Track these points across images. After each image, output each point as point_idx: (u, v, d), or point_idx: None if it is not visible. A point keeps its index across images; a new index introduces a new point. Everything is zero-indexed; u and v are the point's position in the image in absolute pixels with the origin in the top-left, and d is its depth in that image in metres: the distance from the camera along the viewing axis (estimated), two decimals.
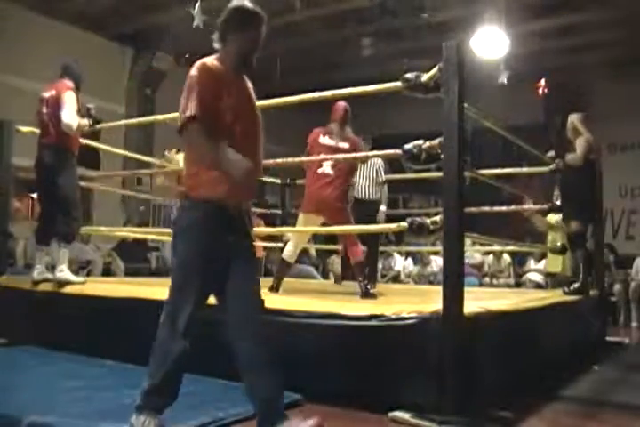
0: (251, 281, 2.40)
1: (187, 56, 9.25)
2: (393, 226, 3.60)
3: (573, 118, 5.08)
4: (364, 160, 5.33)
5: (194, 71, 2.31)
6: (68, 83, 4.44)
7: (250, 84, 2.49)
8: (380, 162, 5.61)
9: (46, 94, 4.44)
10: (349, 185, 4.82)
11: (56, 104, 4.33)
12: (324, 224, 4.65)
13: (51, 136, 4.36)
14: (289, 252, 4.59)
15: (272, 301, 3.58)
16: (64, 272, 4.32)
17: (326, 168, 4.48)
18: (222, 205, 2.31)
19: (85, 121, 4.50)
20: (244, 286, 2.37)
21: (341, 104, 4.69)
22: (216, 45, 2.42)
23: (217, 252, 2.30)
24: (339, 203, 4.49)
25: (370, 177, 5.55)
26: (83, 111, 4.51)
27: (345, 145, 4.57)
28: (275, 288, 4.40)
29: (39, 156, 4.42)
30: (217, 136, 2.23)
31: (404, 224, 3.37)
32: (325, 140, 4.58)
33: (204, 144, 2.23)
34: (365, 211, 5.41)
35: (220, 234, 2.31)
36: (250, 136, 2.38)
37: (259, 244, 6.47)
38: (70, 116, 4.26)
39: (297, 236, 4.67)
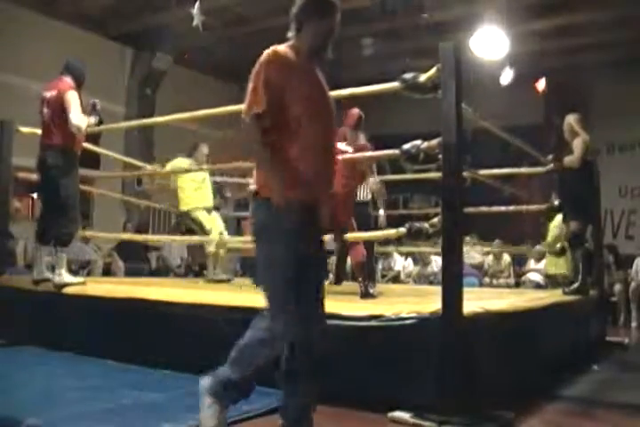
0: (323, 290, 2.28)
1: (186, 56, 9.27)
2: (392, 232, 3.59)
3: (570, 119, 5.09)
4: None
5: (264, 57, 2.21)
6: (69, 81, 4.37)
7: (322, 75, 2.37)
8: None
9: (47, 94, 4.37)
10: (355, 188, 4.81)
11: (57, 105, 4.28)
12: None
13: (53, 137, 4.32)
14: None
15: None
16: (62, 276, 4.31)
17: None
18: (303, 204, 2.16)
19: (92, 119, 4.44)
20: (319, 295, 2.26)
21: (356, 111, 4.79)
22: (289, 34, 2.32)
23: (309, 257, 2.15)
24: (341, 205, 4.38)
25: None
26: (88, 109, 4.44)
27: (349, 149, 4.60)
28: None
29: (42, 156, 4.37)
30: (282, 130, 2.15)
31: (402, 230, 3.37)
32: (341, 146, 4.60)
33: (257, 147, 2.15)
34: (357, 212, 5.41)
35: (308, 237, 2.17)
36: (323, 128, 2.25)
37: None
38: (78, 118, 4.20)
39: None
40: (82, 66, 4.58)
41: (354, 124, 4.73)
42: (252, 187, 2.18)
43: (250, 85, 2.20)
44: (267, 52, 2.22)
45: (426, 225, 3.25)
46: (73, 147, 4.38)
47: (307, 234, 2.16)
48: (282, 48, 2.25)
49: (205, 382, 2.26)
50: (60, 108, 4.26)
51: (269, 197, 2.14)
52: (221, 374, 2.24)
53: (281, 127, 2.16)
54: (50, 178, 4.31)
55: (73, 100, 4.24)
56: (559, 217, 6.17)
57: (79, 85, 4.45)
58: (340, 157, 4.45)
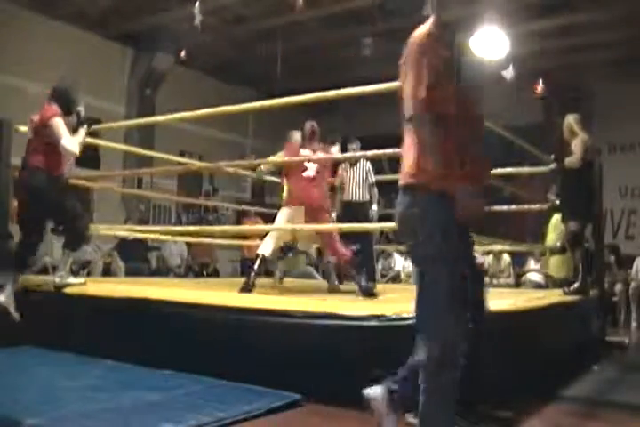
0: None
1: (184, 54, 9.26)
2: (390, 224, 3.61)
3: (570, 119, 5.10)
4: (353, 163, 5.47)
5: (420, 39, 2.03)
6: (55, 108, 4.26)
7: None
8: (368, 164, 5.67)
9: (34, 117, 4.33)
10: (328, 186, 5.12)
11: (39, 131, 4.23)
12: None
13: (36, 161, 4.24)
14: (269, 249, 4.59)
15: (272, 301, 3.60)
16: (63, 278, 4.33)
17: (310, 172, 4.78)
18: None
19: (82, 132, 4.37)
20: (482, 295, 2.19)
21: (308, 124, 4.98)
22: (428, 11, 2.20)
23: (468, 258, 2.07)
24: (323, 202, 4.79)
25: (359, 179, 5.60)
26: (72, 121, 4.38)
27: (320, 154, 4.90)
28: (249, 289, 4.36)
29: (23, 180, 4.29)
30: (447, 123, 1.98)
31: None
32: (305, 152, 4.88)
33: (431, 140, 1.96)
34: (356, 212, 5.47)
35: (467, 236, 2.08)
36: (478, 116, 2.11)
37: (257, 243, 6.47)
38: (70, 143, 4.13)
39: (280, 232, 4.71)
40: (69, 91, 4.41)
41: (310, 135, 4.92)
42: (406, 178, 2.01)
43: (409, 70, 2.02)
44: (422, 34, 2.05)
45: None
46: (56, 169, 4.30)
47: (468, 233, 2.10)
48: (430, 29, 2.07)
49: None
50: (41, 134, 4.21)
51: (442, 189, 1.97)
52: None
53: (442, 114, 1.99)
54: (41, 202, 4.25)
55: (59, 127, 4.14)
56: (556, 217, 6.19)
57: (67, 111, 4.34)
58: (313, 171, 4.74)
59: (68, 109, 4.34)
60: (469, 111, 2.06)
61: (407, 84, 2.00)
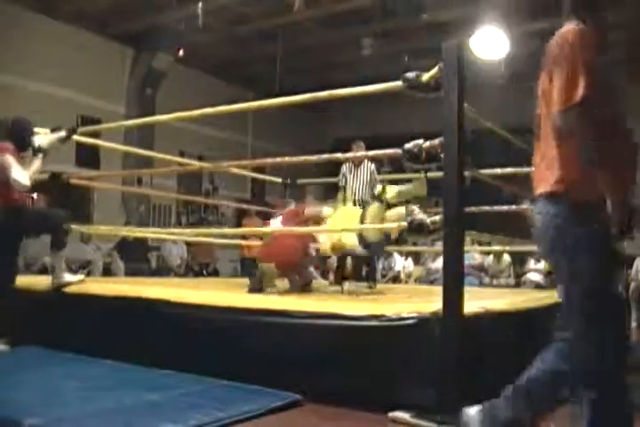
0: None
1: (182, 53, 9.26)
2: (393, 225, 3.62)
3: None
4: (357, 163, 5.49)
5: (574, 37, 1.89)
6: (7, 146, 4.27)
7: None
8: (372, 165, 5.69)
9: None
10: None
11: None
12: None
13: None
14: None
15: (272, 301, 3.60)
16: (59, 278, 4.34)
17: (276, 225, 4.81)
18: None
19: (36, 165, 4.35)
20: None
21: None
22: (569, 15, 2.01)
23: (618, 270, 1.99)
24: (294, 258, 4.65)
25: (363, 179, 5.60)
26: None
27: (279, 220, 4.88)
28: (259, 289, 4.47)
29: None
30: (605, 127, 1.84)
31: (403, 224, 3.39)
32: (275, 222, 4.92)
33: (587, 140, 1.82)
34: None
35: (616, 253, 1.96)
36: (626, 127, 1.98)
37: (257, 243, 6.48)
38: (20, 176, 4.13)
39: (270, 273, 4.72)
40: (22, 126, 4.44)
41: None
42: (547, 187, 1.88)
43: (561, 71, 1.88)
44: (576, 31, 1.91)
45: (427, 220, 3.27)
46: (16, 201, 4.29)
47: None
48: (585, 28, 1.91)
49: (472, 414, 2.06)
50: None
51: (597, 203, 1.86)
52: (493, 408, 2.07)
53: (595, 118, 1.84)
54: (15, 231, 4.31)
55: (6, 162, 4.16)
56: None
57: (22, 146, 4.35)
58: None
59: (22, 144, 4.36)
60: (616, 116, 1.96)
61: (557, 88, 1.87)
